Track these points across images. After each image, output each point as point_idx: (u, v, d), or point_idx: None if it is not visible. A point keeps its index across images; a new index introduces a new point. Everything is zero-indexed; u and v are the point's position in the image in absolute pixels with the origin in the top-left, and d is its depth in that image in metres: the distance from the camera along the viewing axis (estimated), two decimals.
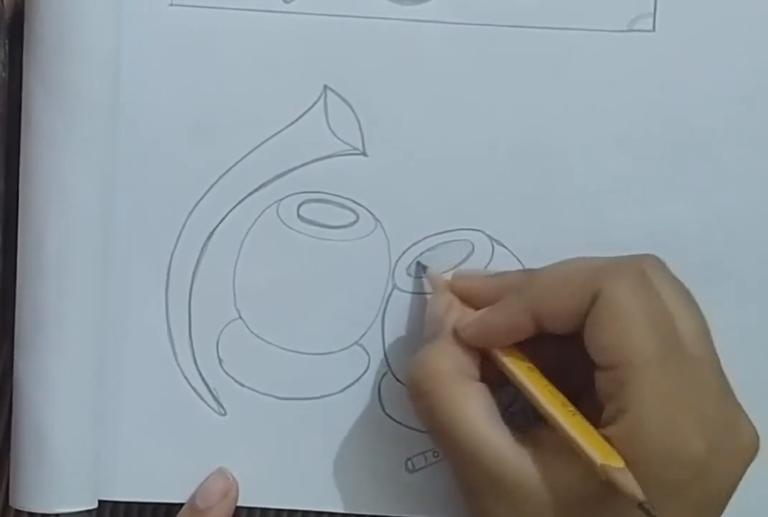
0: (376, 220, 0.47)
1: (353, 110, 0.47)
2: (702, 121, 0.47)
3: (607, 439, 0.40)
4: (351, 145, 0.47)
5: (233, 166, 0.47)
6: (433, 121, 0.47)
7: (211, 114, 0.47)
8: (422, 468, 0.47)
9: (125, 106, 0.46)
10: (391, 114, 0.47)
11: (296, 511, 0.47)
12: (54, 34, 0.44)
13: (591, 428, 0.40)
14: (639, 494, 0.38)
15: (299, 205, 0.47)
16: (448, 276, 0.46)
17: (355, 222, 0.47)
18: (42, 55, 0.44)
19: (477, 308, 0.44)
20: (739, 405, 0.42)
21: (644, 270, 0.41)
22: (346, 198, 0.47)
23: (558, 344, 0.43)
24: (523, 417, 0.45)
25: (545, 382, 0.42)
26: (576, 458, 0.40)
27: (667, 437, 0.39)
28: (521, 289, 0.43)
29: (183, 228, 0.47)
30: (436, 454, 0.47)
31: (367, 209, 0.47)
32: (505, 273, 0.45)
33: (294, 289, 0.47)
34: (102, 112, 0.45)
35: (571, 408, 0.41)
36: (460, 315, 0.44)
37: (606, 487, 0.39)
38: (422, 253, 0.47)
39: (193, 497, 0.46)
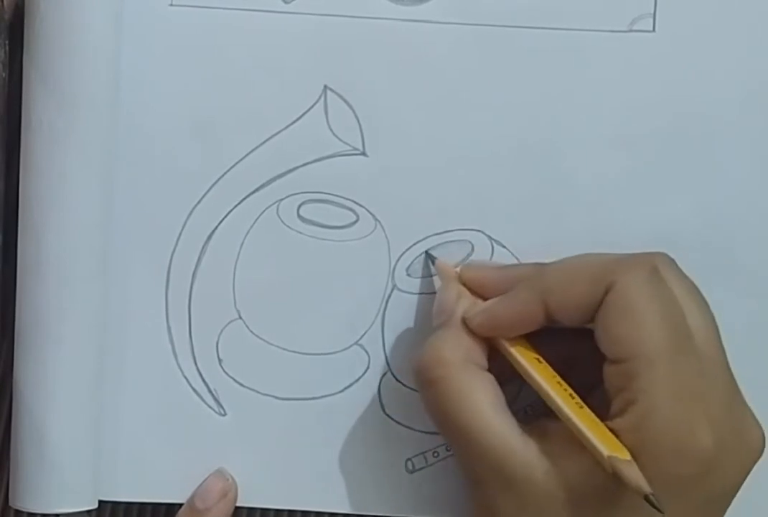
0: (376, 220, 0.47)
1: (353, 110, 0.47)
2: (702, 121, 0.47)
3: (614, 432, 0.40)
4: (351, 146, 0.47)
5: (233, 166, 0.47)
6: (433, 122, 0.47)
7: (211, 114, 0.47)
8: (422, 468, 0.47)
9: (125, 106, 0.46)
10: (391, 114, 0.47)
11: (296, 511, 0.47)
12: (54, 34, 0.44)
13: (598, 421, 0.40)
14: (645, 486, 0.38)
15: (299, 206, 0.47)
16: (458, 268, 0.46)
17: (355, 222, 0.47)
18: (42, 55, 0.44)
19: (486, 299, 0.44)
20: (746, 404, 0.42)
21: (657, 266, 0.41)
22: (346, 198, 0.47)
23: (564, 338, 0.43)
24: (528, 413, 0.45)
25: (553, 373, 0.42)
26: (584, 451, 0.40)
27: (675, 431, 0.39)
28: (532, 279, 0.43)
29: (183, 228, 0.47)
30: (435, 454, 0.47)
31: (367, 209, 0.47)
32: (516, 265, 0.46)
33: (294, 289, 0.47)
34: (102, 112, 0.45)
35: (579, 400, 0.41)
36: (470, 305, 0.44)
37: (613, 480, 0.39)
38: (422, 253, 0.47)
39: (192, 498, 0.46)
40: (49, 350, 0.45)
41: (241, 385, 0.47)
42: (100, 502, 0.46)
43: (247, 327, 0.47)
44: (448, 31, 0.47)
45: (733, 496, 0.41)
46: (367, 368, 0.47)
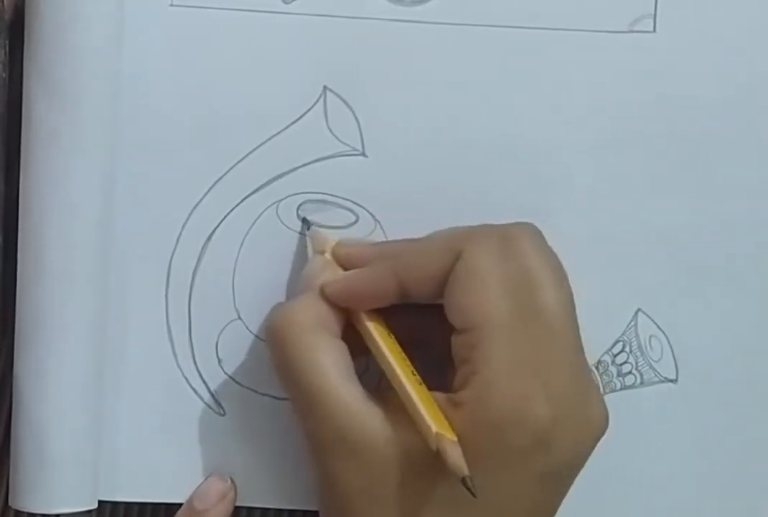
0: (376, 220, 0.47)
1: (353, 111, 0.47)
2: (701, 122, 0.47)
3: (457, 403, 0.40)
4: (350, 146, 0.47)
5: (233, 166, 0.47)
6: (433, 122, 0.47)
7: (211, 114, 0.47)
8: None
9: (125, 106, 0.46)
10: (391, 115, 0.47)
11: (296, 511, 0.48)
12: (54, 35, 0.44)
13: (432, 400, 0.40)
14: (463, 468, 0.38)
15: (299, 206, 0.47)
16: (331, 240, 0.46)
17: (354, 222, 0.47)
18: (42, 55, 0.44)
19: None
20: (594, 384, 0.42)
21: (509, 236, 0.41)
22: (345, 198, 0.47)
23: (424, 315, 0.43)
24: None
25: (399, 349, 0.42)
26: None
27: (513, 401, 0.39)
28: (390, 254, 0.43)
29: (183, 228, 0.47)
30: None
31: (367, 210, 0.47)
32: (385, 242, 0.46)
33: (293, 289, 0.47)
34: (102, 113, 0.45)
35: (418, 378, 0.41)
36: (332, 274, 0.44)
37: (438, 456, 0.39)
38: None
39: (190, 499, 0.46)
40: (49, 349, 0.45)
41: (241, 385, 0.47)
42: (100, 502, 0.46)
43: (247, 327, 0.47)
44: (448, 32, 0.47)
45: (575, 473, 0.42)
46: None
